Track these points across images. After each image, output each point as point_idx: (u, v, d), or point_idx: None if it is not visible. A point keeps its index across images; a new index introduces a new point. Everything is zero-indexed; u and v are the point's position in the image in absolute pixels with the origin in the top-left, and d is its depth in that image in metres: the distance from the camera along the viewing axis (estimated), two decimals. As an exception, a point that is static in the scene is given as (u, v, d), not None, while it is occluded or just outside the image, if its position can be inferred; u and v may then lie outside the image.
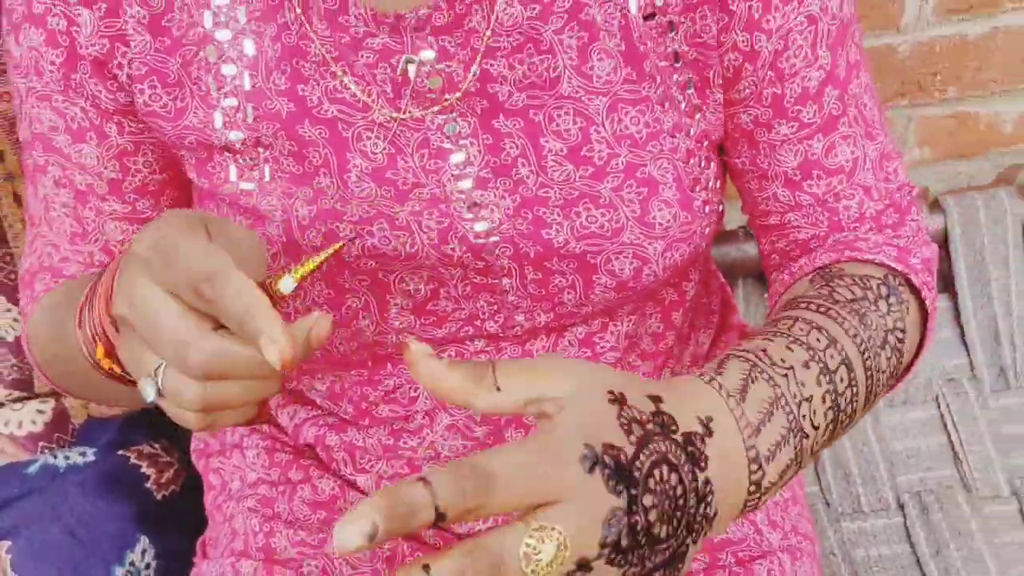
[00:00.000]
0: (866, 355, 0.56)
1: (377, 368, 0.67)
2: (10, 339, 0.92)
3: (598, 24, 0.58)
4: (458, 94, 0.58)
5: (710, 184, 0.64)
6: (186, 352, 0.43)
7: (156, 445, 0.96)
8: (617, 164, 0.60)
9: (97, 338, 0.53)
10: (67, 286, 0.66)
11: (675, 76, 0.61)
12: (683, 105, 0.62)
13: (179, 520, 0.92)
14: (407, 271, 0.61)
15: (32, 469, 0.90)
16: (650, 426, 0.42)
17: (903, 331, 0.60)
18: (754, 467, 0.47)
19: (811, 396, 0.52)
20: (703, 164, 0.63)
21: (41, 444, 0.94)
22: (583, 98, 0.59)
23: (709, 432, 0.44)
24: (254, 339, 0.42)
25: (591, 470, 0.39)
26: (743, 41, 0.60)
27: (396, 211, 0.59)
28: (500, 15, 0.57)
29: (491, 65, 0.58)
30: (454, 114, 0.59)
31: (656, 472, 0.41)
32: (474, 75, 0.58)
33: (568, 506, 0.38)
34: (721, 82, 0.61)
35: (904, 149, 1.11)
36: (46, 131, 0.63)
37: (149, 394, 0.45)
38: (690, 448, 0.43)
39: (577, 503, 0.39)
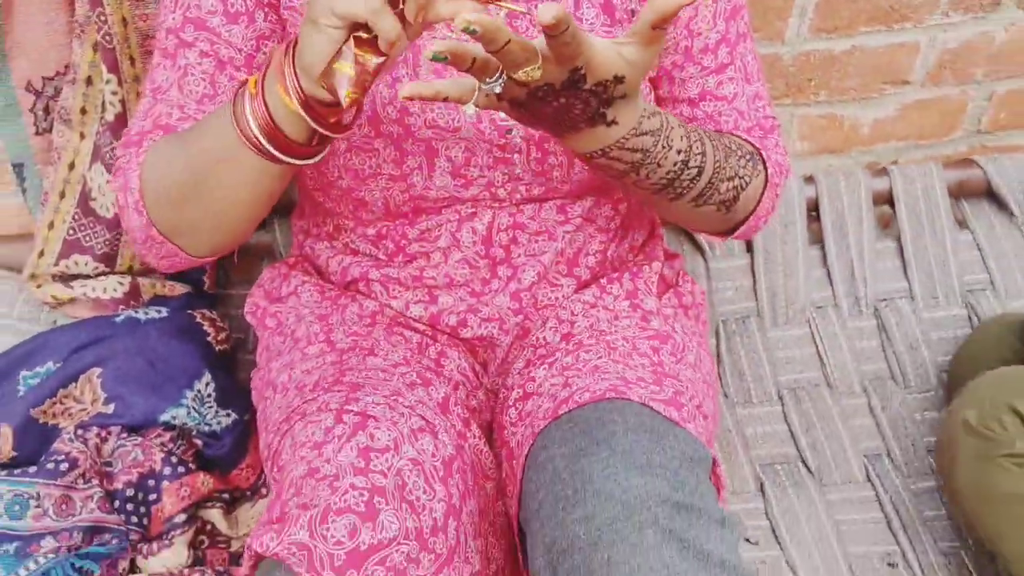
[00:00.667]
0: (716, 169, 0.85)
1: (417, 216, 0.94)
2: (109, 216, 1.17)
3: None
4: None
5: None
6: None
7: (213, 312, 1.21)
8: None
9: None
10: (188, 127, 0.83)
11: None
12: None
13: (230, 369, 1.18)
14: (452, 141, 0.89)
15: (119, 319, 1.15)
16: (599, 89, 0.70)
17: (747, 183, 0.90)
18: (643, 115, 0.75)
19: (674, 127, 0.80)
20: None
21: (120, 307, 1.19)
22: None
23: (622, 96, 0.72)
24: None
25: (571, 70, 0.67)
26: None
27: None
28: None
29: None
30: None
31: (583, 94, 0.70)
32: None
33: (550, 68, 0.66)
34: None
35: (789, 141, 1.46)
36: (203, 14, 0.84)
37: None
38: (604, 96, 0.71)
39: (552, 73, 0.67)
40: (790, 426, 1.28)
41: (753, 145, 0.95)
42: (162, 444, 1.08)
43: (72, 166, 1.15)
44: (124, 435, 1.07)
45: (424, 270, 0.97)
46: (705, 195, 0.87)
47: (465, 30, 0.60)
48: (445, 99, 0.67)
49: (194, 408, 1.10)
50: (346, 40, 0.70)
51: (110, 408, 1.08)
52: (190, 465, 1.07)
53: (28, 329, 1.21)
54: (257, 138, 0.75)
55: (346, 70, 0.70)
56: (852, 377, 1.32)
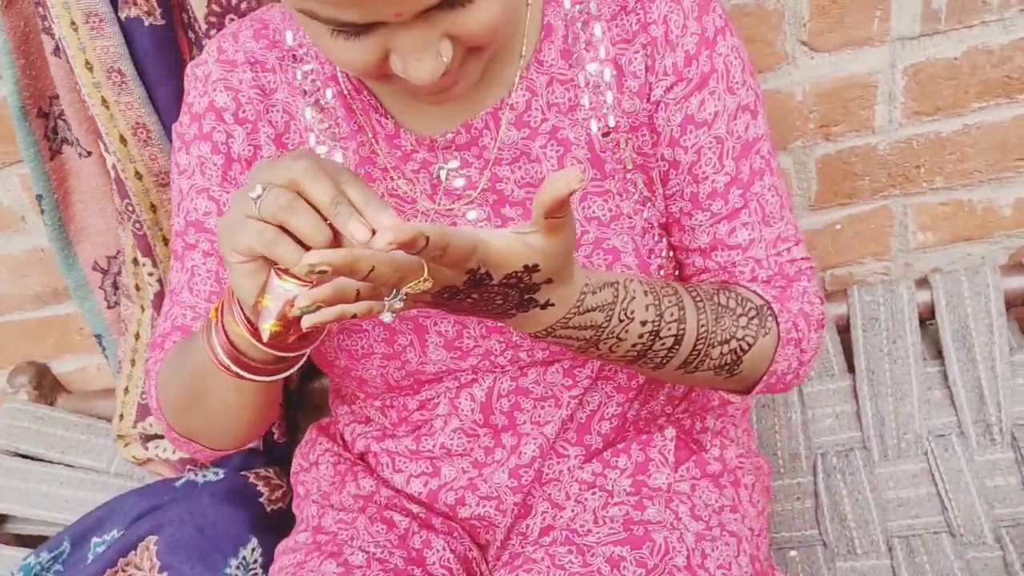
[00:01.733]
0: (702, 335, 0.76)
1: (419, 387, 0.91)
2: (168, 385, 1.23)
3: (570, 140, 0.82)
4: (475, 192, 0.83)
5: (663, 254, 0.87)
6: (298, 161, 0.63)
7: (270, 470, 1.24)
8: (588, 238, 0.83)
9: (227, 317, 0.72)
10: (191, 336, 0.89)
11: (628, 175, 0.84)
12: (636, 196, 0.85)
13: (282, 528, 1.19)
14: (440, 316, 0.85)
15: (179, 483, 1.20)
16: (513, 281, 0.65)
17: (749, 345, 0.79)
18: (586, 291, 0.69)
19: (636, 298, 0.73)
20: (656, 239, 0.86)
21: (188, 467, 1.24)
22: None
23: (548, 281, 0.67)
24: (369, 215, 0.62)
25: (467, 272, 0.62)
26: (668, 154, 0.83)
27: None
28: (503, 136, 0.82)
29: (498, 170, 0.83)
30: (474, 205, 0.84)
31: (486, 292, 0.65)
32: (486, 178, 0.83)
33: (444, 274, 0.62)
34: (661, 180, 0.85)
35: (906, 234, 1.26)
36: (200, 216, 0.86)
37: (255, 191, 0.63)
38: (522, 286, 0.66)
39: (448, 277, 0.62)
40: (902, 583, 1.09)
41: (763, 299, 0.83)
42: (208, 613, 1.11)
43: (138, 336, 1.22)
44: (175, 604, 1.11)
45: (422, 440, 0.92)
46: (692, 363, 0.78)
47: (310, 274, 0.56)
48: (354, 316, 0.63)
49: (237, 576, 1.12)
50: (267, 271, 0.68)
51: (164, 576, 1.13)
52: (231, 637, 1.09)
53: (121, 485, 1.29)
54: (225, 363, 0.75)
55: (266, 303, 0.67)
56: (982, 524, 1.11)
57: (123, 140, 1.06)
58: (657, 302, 0.75)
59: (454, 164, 0.83)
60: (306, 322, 0.61)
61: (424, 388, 0.91)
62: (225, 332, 0.75)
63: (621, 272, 0.81)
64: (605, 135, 0.83)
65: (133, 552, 1.14)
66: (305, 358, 0.79)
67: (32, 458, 1.32)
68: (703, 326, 0.77)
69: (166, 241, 1.15)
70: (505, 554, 0.91)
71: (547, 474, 0.92)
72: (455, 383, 0.89)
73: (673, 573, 0.79)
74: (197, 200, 0.87)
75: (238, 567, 1.13)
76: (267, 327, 0.67)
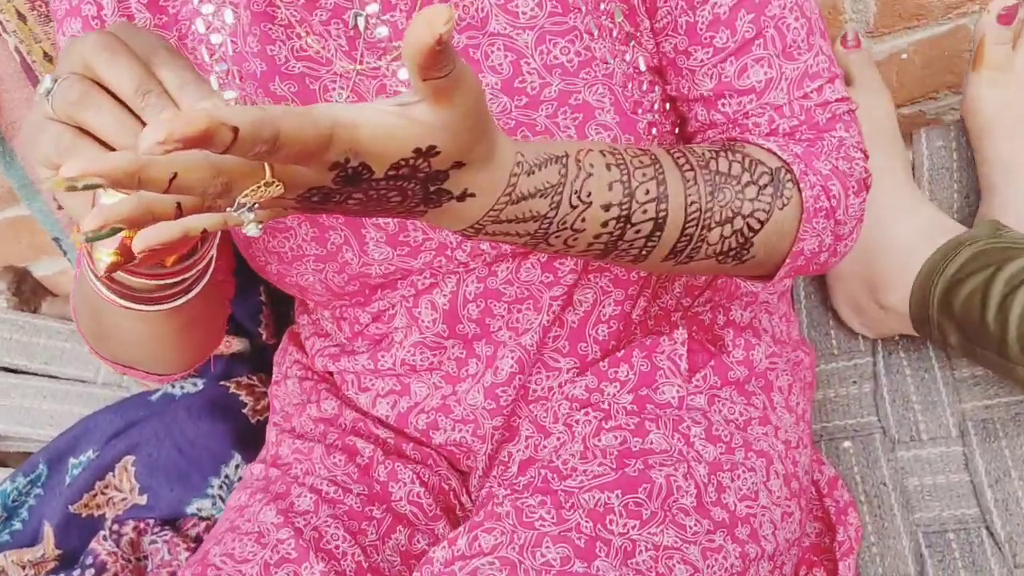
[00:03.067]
0: (693, 215, 0.59)
1: (371, 294, 0.75)
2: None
3: None
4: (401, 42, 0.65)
5: (655, 107, 0.68)
6: (90, 35, 0.49)
7: (255, 377, 1.12)
8: (550, 92, 0.65)
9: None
10: None
11: (602, 5, 0.65)
12: (614, 32, 0.66)
13: (268, 440, 1.08)
14: None
15: (155, 397, 1.09)
16: (405, 171, 0.47)
17: (760, 222, 0.62)
18: (516, 172, 0.52)
19: (593, 174, 0.55)
20: (644, 88, 0.67)
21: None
22: (511, 33, 0.64)
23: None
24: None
25: (331, 168, 0.44)
26: None
27: None
28: None
29: None
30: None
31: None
32: None
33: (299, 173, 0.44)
34: (645, 10, 0.65)
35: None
36: None
37: (44, 85, 0.49)
38: (421, 175, 0.48)
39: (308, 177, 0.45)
40: (972, 474, 0.93)
41: (780, 158, 0.64)
42: (195, 538, 1.02)
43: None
44: (158, 528, 1.02)
45: (379, 357, 0.78)
46: (682, 251, 0.61)
47: (71, 191, 0.39)
48: (203, 233, 0.48)
49: (220, 496, 1.02)
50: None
51: (144, 499, 1.04)
52: (217, 562, 1.00)
53: (109, 396, 1.20)
54: (108, 296, 0.62)
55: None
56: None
57: (21, 16, 0.89)
58: (625, 177, 0.57)
59: (374, 8, 0.65)
60: (136, 245, 0.45)
61: (376, 297, 0.75)
62: (92, 260, 0.60)
63: (575, 141, 0.63)
64: None
65: (111, 474, 1.05)
66: (206, 277, 0.64)
67: (14, 371, 1.23)
68: (693, 203, 0.60)
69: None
70: (483, 491, 0.77)
71: (534, 391, 0.77)
72: (411, 290, 0.73)
73: (677, 519, 0.64)
74: None
75: (220, 486, 1.03)
76: (101, 257, 0.52)
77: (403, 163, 0.46)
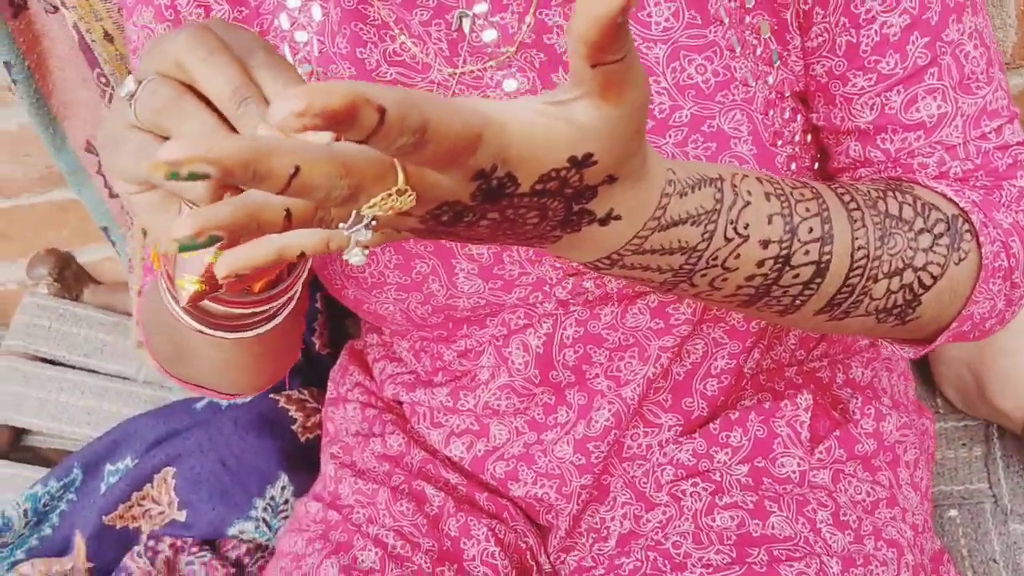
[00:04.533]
0: (859, 262, 0.50)
1: (456, 328, 0.68)
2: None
3: None
4: (512, 48, 0.57)
5: (796, 139, 0.60)
6: (184, 31, 0.42)
7: (305, 392, 1.04)
8: (680, 117, 0.57)
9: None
10: None
11: (747, 18, 0.56)
12: (759, 51, 0.57)
13: (318, 462, 1.00)
14: None
15: (199, 405, 1.02)
16: (553, 185, 0.39)
17: (934, 277, 0.53)
18: (667, 192, 0.43)
19: (751, 203, 0.46)
20: (787, 116, 0.59)
21: (213, 383, 1.06)
22: (640, 46, 0.56)
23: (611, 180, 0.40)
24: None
25: (474, 177, 0.36)
26: None
27: None
28: None
29: (546, 15, 0.57)
30: (512, 68, 0.58)
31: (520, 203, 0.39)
32: (529, 26, 0.57)
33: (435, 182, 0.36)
34: (798, 26, 0.57)
35: None
36: None
37: (127, 87, 0.43)
38: (569, 191, 0.40)
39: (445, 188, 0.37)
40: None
41: (956, 205, 0.55)
42: (234, 562, 0.95)
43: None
44: (195, 548, 0.95)
45: (460, 395, 0.70)
46: (841, 304, 0.52)
47: (173, 179, 0.29)
48: (301, 255, 0.39)
49: (264, 520, 0.95)
50: (179, 203, 0.46)
51: (183, 515, 0.96)
52: (258, 591, 0.93)
53: (150, 396, 1.13)
54: (188, 323, 0.54)
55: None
56: None
57: (84, -9, 0.82)
58: (787, 211, 0.48)
59: (482, 8, 0.57)
60: (220, 269, 0.38)
61: (461, 332, 0.67)
62: (173, 285, 0.53)
63: (725, 165, 0.54)
64: None
65: (149, 485, 0.99)
66: (293, 302, 0.57)
67: (52, 362, 1.17)
68: (861, 248, 0.51)
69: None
70: (571, 558, 0.69)
71: (629, 447, 0.68)
72: (502, 329, 0.65)
73: None
74: None
75: (265, 508, 0.96)
76: (186, 284, 0.45)
77: (553, 174, 0.38)
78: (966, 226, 0.55)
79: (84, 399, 1.14)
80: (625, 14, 0.33)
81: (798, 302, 0.51)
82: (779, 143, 0.59)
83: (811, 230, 0.49)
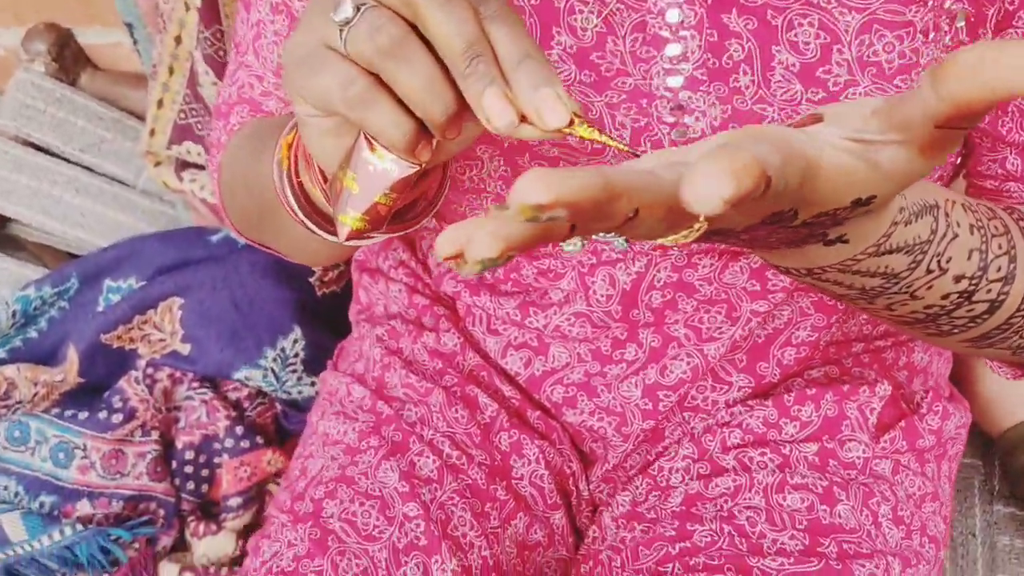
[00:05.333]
0: (1022, 309, 0.49)
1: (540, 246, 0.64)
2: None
3: None
4: None
5: None
6: None
7: (328, 241, 1.00)
8: (852, 93, 0.53)
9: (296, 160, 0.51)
10: (267, 122, 0.64)
11: (948, 3, 0.52)
12: (947, 39, 0.53)
13: (332, 319, 0.97)
14: (570, 158, 0.58)
15: (215, 238, 0.97)
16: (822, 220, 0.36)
17: None
18: (897, 221, 0.41)
19: (959, 236, 0.45)
20: None
21: (229, 214, 1.01)
22: (834, 9, 0.52)
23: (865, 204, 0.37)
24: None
25: (773, 216, 0.35)
26: None
27: (592, 101, 0.55)
28: None
29: None
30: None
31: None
32: None
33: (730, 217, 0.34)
34: (995, 24, 0.53)
35: None
36: None
37: (343, 11, 0.40)
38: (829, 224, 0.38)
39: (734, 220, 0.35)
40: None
41: None
42: (234, 404, 0.93)
43: (179, 40, 0.93)
44: (196, 383, 0.93)
45: (528, 310, 0.68)
46: (992, 338, 0.51)
47: (532, 220, 0.27)
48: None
49: (273, 371, 0.93)
50: (356, 134, 0.44)
51: (186, 349, 0.93)
52: (257, 439, 0.92)
53: (148, 208, 1.07)
54: (302, 220, 0.52)
55: (349, 184, 0.44)
56: None
57: None
58: (984, 246, 0.46)
59: None
60: (467, 269, 0.34)
61: (546, 249, 0.64)
62: (301, 187, 0.50)
63: (937, 185, 0.51)
64: None
65: (153, 311, 0.95)
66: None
67: (45, 152, 1.08)
68: None
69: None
70: (622, 497, 0.69)
71: (694, 398, 0.68)
72: (592, 258, 0.62)
73: None
74: None
75: (275, 359, 0.94)
76: (348, 220, 0.44)
77: (831, 212, 0.35)
78: None
79: (79, 198, 1.07)
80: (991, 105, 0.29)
81: (956, 331, 0.49)
82: None
83: (999, 269, 0.47)
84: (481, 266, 0.28)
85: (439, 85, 0.39)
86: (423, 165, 0.43)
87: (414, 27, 0.39)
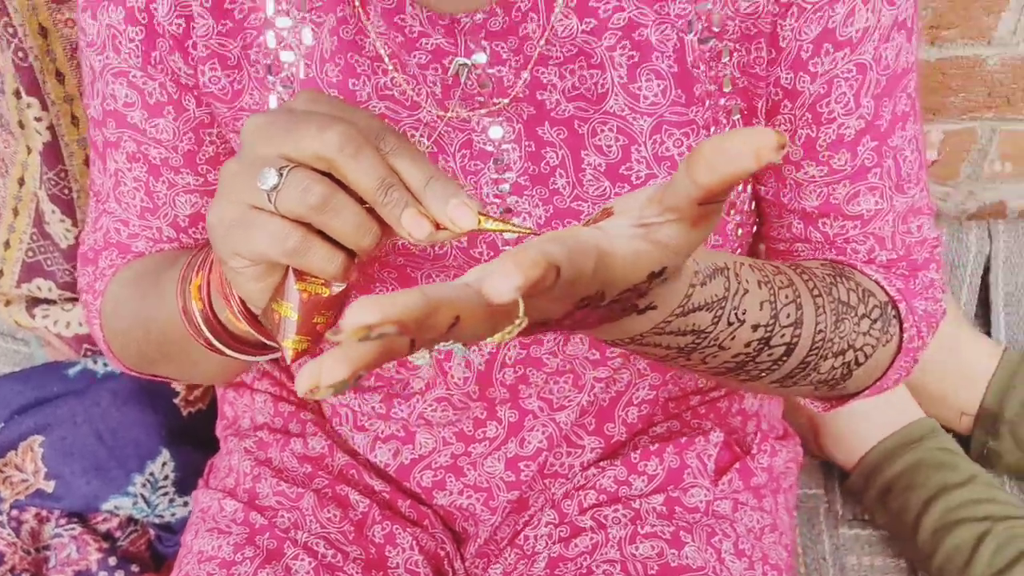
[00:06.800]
0: (817, 344, 0.57)
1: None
2: (63, 245, 0.97)
3: (652, 45, 0.57)
4: (506, 100, 0.58)
5: (745, 208, 0.65)
6: (329, 128, 0.45)
7: (188, 362, 1.02)
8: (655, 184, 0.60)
9: (220, 299, 0.56)
10: (144, 266, 0.68)
11: (723, 101, 0.60)
12: (727, 130, 0.61)
13: (201, 438, 0.98)
14: (434, 270, 0.63)
15: (72, 371, 0.97)
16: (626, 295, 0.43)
17: (867, 357, 0.60)
18: (694, 283, 0.48)
19: (749, 290, 0.52)
20: (740, 188, 0.63)
21: (85, 346, 1.01)
22: (628, 116, 0.59)
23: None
24: (438, 200, 0.46)
25: (580, 302, 0.40)
26: (786, 79, 0.59)
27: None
28: (555, 25, 0.57)
29: (542, 73, 0.58)
30: (500, 118, 0.59)
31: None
32: (524, 81, 0.58)
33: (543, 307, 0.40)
34: (765, 112, 0.61)
35: (984, 162, 1.05)
36: (120, 107, 0.63)
37: (269, 180, 0.45)
38: (634, 298, 0.44)
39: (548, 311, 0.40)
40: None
41: (887, 293, 0.62)
42: (104, 535, 0.92)
43: (22, 182, 0.95)
44: (63, 520, 0.92)
45: (393, 402, 0.71)
46: (794, 376, 0.58)
47: (364, 340, 0.32)
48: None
49: (142, 496, 0.93)
50: (284, 275, 0.50)
51: (51, 486, 0.93)
52: (132, 567, 0.91)
53: (2, 348, 1.06)
54: (218, 347, 0.59)
55: (286, 313, 0.50)
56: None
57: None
58: (772, 297, 0.53)
59: (480, 58, 0.58)
60: (337, 374, 0.38)
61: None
62: (216, 319, 0.58)
63: (726, 252, 0.59)
64: (703, 42, 0.58)
65: (13, 452, 0.94)
66: None
67: None
68: (820, 332, 0.56)
69: (60, 78, 0.85)
70: (493, 570, 0.73)
71: (552, 465, 0.73)
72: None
73: None
74: (115, 85, 0.62)
75: (144, 484, 0.94)
76: (291, 344, 0.50)
77: (633, 288, 0.41)
78: (894, 312, 0.62)
79: (-74, 344, 1.05)
80: (733, 184, 0.36)
81: (763, 375, 0.56)
82: (731, 212, 0.64)
83: (788, 315, 0.54)
84: (334, 389, 0.32)
85: (366, 222, 0.46)
86: (349, 282, 0.49)
87: (332, 176, 0.45)
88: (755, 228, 0.69)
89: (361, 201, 0.46)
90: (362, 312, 0.30)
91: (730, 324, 0.50)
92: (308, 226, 0.46)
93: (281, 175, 0.45)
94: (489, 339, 0.37)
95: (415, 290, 0.32)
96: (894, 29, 0.58)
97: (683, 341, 0.49)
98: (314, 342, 0.51)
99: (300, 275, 0.49)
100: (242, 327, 0.55)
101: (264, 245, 0.46)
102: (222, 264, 0.51)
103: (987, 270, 1.00)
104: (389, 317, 0.30)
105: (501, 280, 0.31)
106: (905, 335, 0.62)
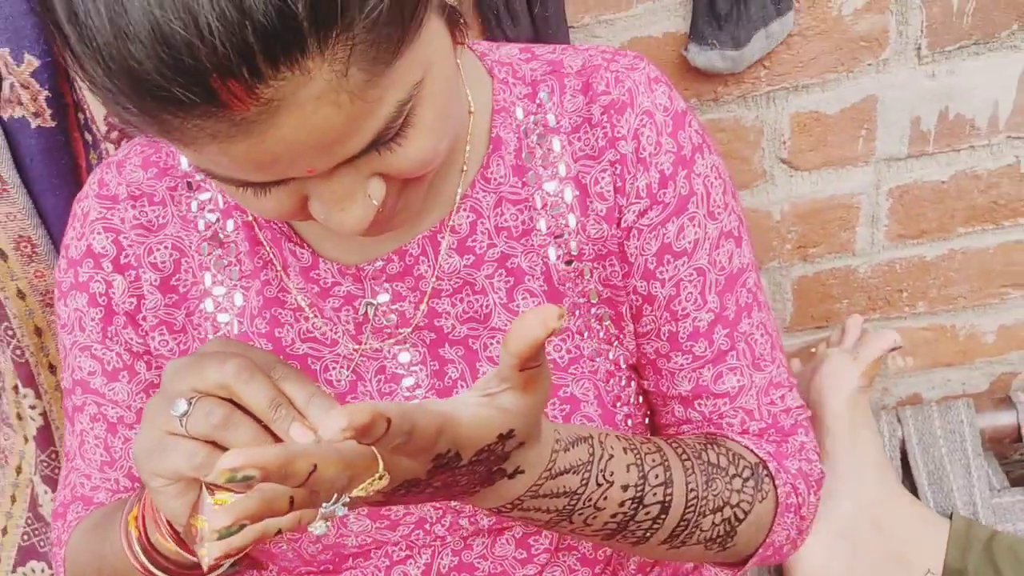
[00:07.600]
0: (691, 502, 0.64)
1: (340, 563, 0.76)
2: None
3: (523, 270, 0.69)
4: (409, 329, 0.70)
5: (631, 400, 0.74)
6: (228, 361, 0.54)
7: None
8: None
9: (146, 524, 0.64)
10: (102, 512, 0.76)
11: (593, 310, 0.71)
12: (601, 334, 0.72)
13: None
14: None
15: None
16: (484, 456, 0.51)
17: (745, 513, 0.68)
18: (557, 449, 0.56)
19: (614, 455, 0.60)
20: (623, 383, 0.73)
21: None
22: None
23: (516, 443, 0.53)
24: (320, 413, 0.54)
25: (433, 460, 0.48)
26: (641, 286, 0.71)
27: None
28: (443, 263, 0.69)
29: (436, 304, 0.70)
30: (407, 345, 0.70)
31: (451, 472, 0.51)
32: (422, 312, 0.70)
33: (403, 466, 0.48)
34: (631, 316, 0.72)
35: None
36: (85, 376, 0.74)
37: (180, 408, 0.54)
38: (492, 458, 0.52)
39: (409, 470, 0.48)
40: None
41: (756, 456, 0.71)
42: None
43: (19, 470, 1.05)
44: None
45: None
46: (679, 535, 0.65)
47: (230, 482, 0.40)
48: (278, 533, 0.51)
49: None
50: (198, 488, 0.57)
51: None
52: None
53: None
54: (150, 570, 0.66)
55: (201, 525, 0.57)
56: None
57: (3, 255, 0.90)
58: (639, 461, 0.62)
59: (384, 298, 0.70)
60: (212, 552, 0.48)
61: (347, 566, 0.76)
62: (153, 548, 0.64)
63: (592, 426, 0.69)
64: (567, 263, 0.70)
65: None
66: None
67: None
68: (692, 490, 0.65)
69: (53, 368, 0.99)
70: None
71: None
72: (385, 560, 0.75)
73: None
74: (80, 358, 0.74)
75: None
76: (207, 554, 0.55)
77: (487, 448, 0.50)
78: (765, 471, 0.70)
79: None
80: (547, 339, 0.47)
81: (648, 534, 0.64)
82: (618, 404, 0.74)
83: (657, 476, 0.63)
84: (218, 535, 0.41)
85: (259, 434, 0.54)
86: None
87: (233, 402, 0.55)
88: (647, 420, 0.79)
89: (258, 420, 0.56)
90: (228, 459, 0.40)
91: (599, 485, 0.59)
92: (215, 444, 0.55)
93: (190, 403, 0.55)
94: (353, 492, 0.46)
95: (281, 445, 0.42)
96: (721, 238, 0.71)
97: (559, 503, 0.58)
98: (236, 551, 0.57)
99: (213, 491, 0.56)
100: (171, 547, 0.62)
101: (178, 463, 0.55)
102: (147, 487, 0.59)
103: (905, 453, 1.08)
104: (250, 462, 0.40)
105: (332, 420, 0.41)
106: (780, 491, 0.70)
